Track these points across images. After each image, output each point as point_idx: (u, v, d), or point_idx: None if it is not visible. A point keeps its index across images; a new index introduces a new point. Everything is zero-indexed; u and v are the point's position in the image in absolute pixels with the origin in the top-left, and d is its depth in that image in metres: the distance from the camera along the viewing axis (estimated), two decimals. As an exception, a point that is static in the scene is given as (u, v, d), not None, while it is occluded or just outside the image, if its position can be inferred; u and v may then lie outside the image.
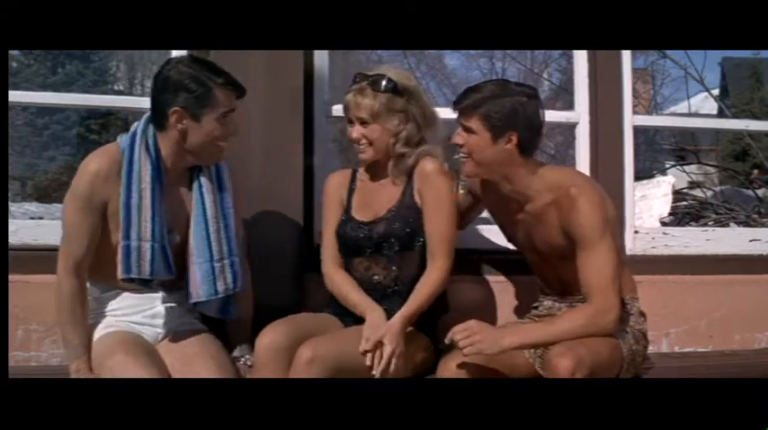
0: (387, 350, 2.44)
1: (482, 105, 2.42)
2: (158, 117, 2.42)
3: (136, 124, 2.48)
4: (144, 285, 2.46)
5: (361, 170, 2.73)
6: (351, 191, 2.72)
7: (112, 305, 2.52)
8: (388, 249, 2.61)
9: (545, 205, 2.48)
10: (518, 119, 2.41)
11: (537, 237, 2.55)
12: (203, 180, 2.50)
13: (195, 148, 2.44)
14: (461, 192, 2.75)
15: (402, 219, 2.60)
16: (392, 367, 2.43)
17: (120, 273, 2.40)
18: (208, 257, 2.47)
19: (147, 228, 2.39)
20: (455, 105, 2.48)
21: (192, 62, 2.43)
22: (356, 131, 2.59)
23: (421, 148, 2.61)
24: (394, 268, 2.62)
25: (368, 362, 2.43)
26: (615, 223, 2.57)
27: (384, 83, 2.55)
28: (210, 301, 2.50)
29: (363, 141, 2.60)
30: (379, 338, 2.45)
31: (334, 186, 2.74)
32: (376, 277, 2.63)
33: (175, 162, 2.47)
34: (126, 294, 2.51)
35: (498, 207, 2.67)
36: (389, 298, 2.60)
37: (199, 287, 2.47)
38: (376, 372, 2.42)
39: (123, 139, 2.46)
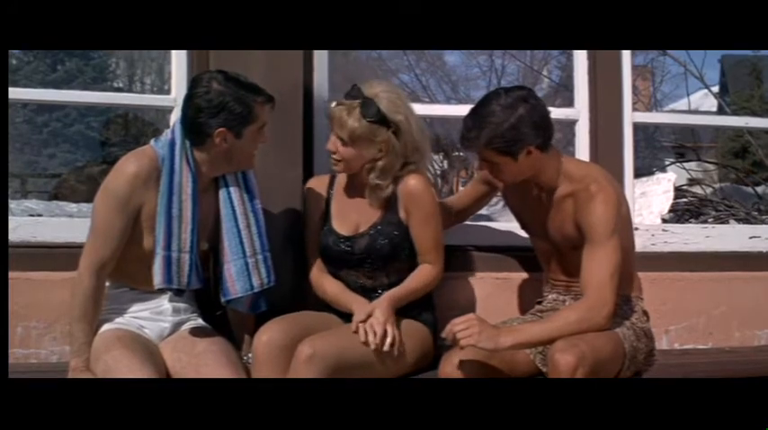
0: (379, 320, 2.46)
1: (489, 142, 2.43)
2: (199, 135, 2.44)
3: (169, 132, 2.51)
4: (177, 295, 2.51)
5: (341, 176, 2.71)
6: (329, 199, 2.71)
7: (120, 302, 2.53)
8: (371, 264, 2.62)
9: (565, 195, 2.52)
10: (525, 133, 2.43)
11: (552, 225, 2.57)
12: (230, 181, 2.54)
13: (235, 161, 2.49)
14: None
15: (386, 235, 2.60)
16: (389, 337, 2.45)
17: (159, 282, 2.44)
18: (241, 254, 2.50)
19: (187, 240, 2.44)
20: (463, 146, 2.51)
21: (225, 80, 2.42)
22: (332, 144, 2.58)
23: (403, 171, 2.58)
24: (380, 278, 2.64)
25: (362, 338, 2.45)
26: (628, 224, 2.59)
27: (373, 111, 2.50)
28: (243, 297, 2.53)
29: (336, 156, 2.58)
30: (369, 312, 2.48)
31: (312, 193, 2.74)
32: (362, 285, 2.64)
33: (209, 172, 2.50)
34: (134, 292, 2.54)
35: (518, 193, 2.69)
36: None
37: (235, 283, 2.50)
38: (369, 341, 2.44)
39: (159, 145, 2.48)
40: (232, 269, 2.50)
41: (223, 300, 2.55)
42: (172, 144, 2.46)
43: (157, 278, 2.44)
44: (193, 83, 2.48)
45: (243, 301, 2.56)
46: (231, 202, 2.52)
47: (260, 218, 2.55)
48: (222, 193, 2.53)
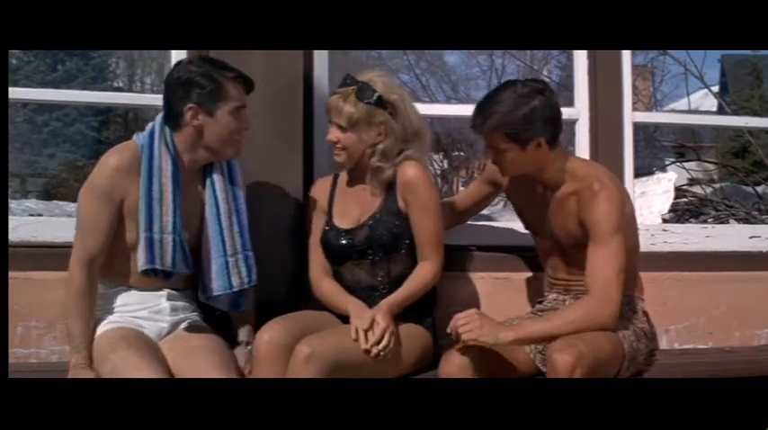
0: (380, 326, 2.46)
1: (500, 126, 2.44)
2: (173, 116, 2.46)
3: (152, 124, 2.52)
4: (165, 279, 2.50)
5: (342, 175, 2.73)
6: (332, 197, 2.71)
7: (118, 301, 2.53)
8: (372, 255, 2.62)
9: (568, 193, 2.53)
10: (538, 124, 2.44)
11: (555, 223, 2.58)
12: (216, 177, 2.54)
13: (213, 143, 2.49)
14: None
15: (385, 226, 2.60)
16: (384, 342, 2.45)
17: (143, 264, 2.43)
18: (222, 252, 2.51)
19: (169, 221, 2.44)
20: (473, 128, 2.51)
21: (200, 61, 2.49)
22: (333, 134, 2.59)
23: (401, 156, 2.60)
24: (381, 272, 2.63)
25: (362, 345, 2.44)
26: (632, 224, 2.60)
27: (369, 93, 2.54)
28: (223, 296, 2.53)
29: (338, 145, 2.59)
30: (371, 317, 2.47)
31: (316, 194, 2.75)
32: (364, 281, 2.64)
33: (191, 160, 2.51)
34: (132, 291, 2.54)
35: (521, 191, 2.69)
36: (379, 300, 2.59)
37: (214, 281, 2.51)
38: (368, 345, 2.43)
39: (140, 137, 2.51)
40: (212, 267, 2.51)
41: (202, 297, 2.55)
42: (151, 132, 2.49)
43: (141, 259, 2.44)
44: (174, 66, 2.54)
45: (222, 299, 2.56)
46: (216, 200, 2.53)
47: (243, 217, 2.55)
48: (208, 189, 2.54)
